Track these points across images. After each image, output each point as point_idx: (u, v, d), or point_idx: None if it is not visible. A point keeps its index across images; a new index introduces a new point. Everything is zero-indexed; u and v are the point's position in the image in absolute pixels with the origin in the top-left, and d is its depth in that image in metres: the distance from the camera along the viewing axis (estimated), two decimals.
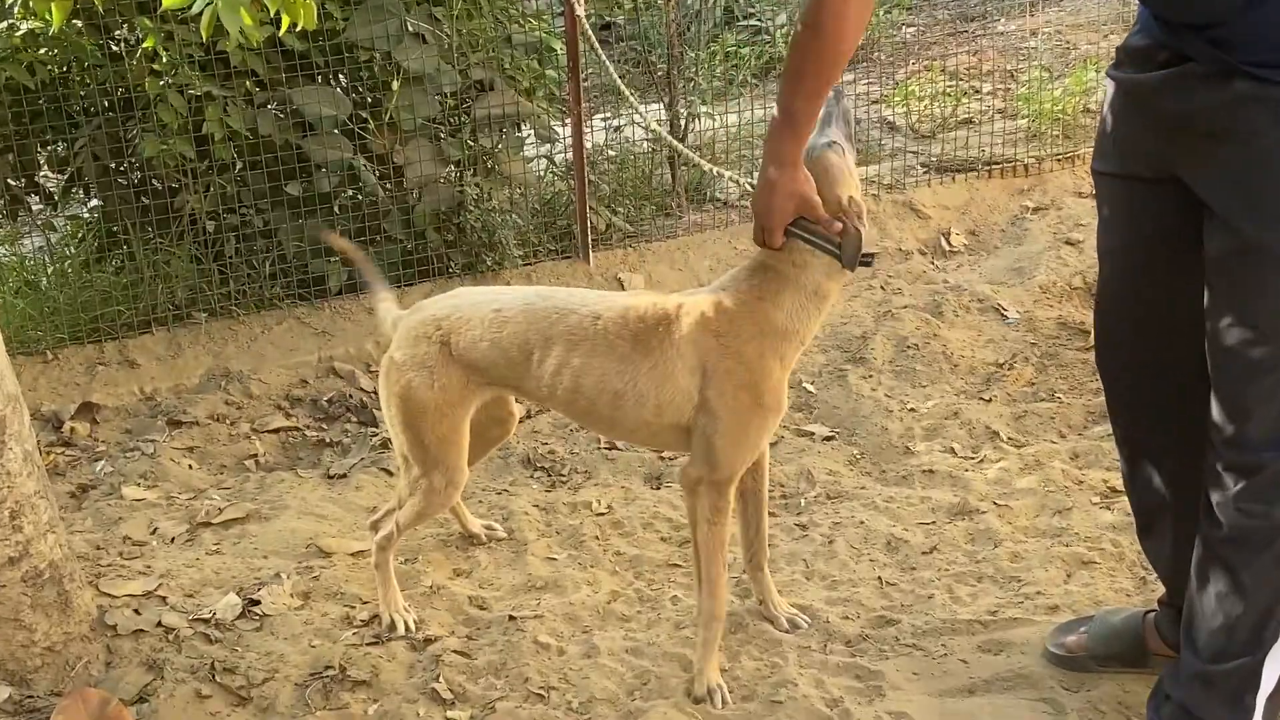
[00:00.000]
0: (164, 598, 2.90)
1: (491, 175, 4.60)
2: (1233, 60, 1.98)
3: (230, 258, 4.33)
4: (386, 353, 2.75)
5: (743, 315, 2.45)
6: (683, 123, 5.22)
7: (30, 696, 2.56)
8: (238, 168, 4.32)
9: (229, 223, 4.30)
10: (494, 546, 3.20)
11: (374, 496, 3.45)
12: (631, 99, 3.55)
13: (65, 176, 4.43)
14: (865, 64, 6.11)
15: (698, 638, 2.63)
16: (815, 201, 2.34)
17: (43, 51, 4.14)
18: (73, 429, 3.86)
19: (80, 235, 4.57)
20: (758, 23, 6.96)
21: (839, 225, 2.37)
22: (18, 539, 2.53)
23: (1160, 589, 2.60)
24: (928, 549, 3.13)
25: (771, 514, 3.13)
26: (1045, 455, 3.54)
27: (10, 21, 4.11)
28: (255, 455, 3.78)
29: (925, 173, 5.36)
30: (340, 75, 4.41)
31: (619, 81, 3.58)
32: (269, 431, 3.88)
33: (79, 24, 4.10)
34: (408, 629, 2.81)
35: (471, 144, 4.51)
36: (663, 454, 3.61)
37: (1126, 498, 2.51)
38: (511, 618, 2.85)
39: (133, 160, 4.26)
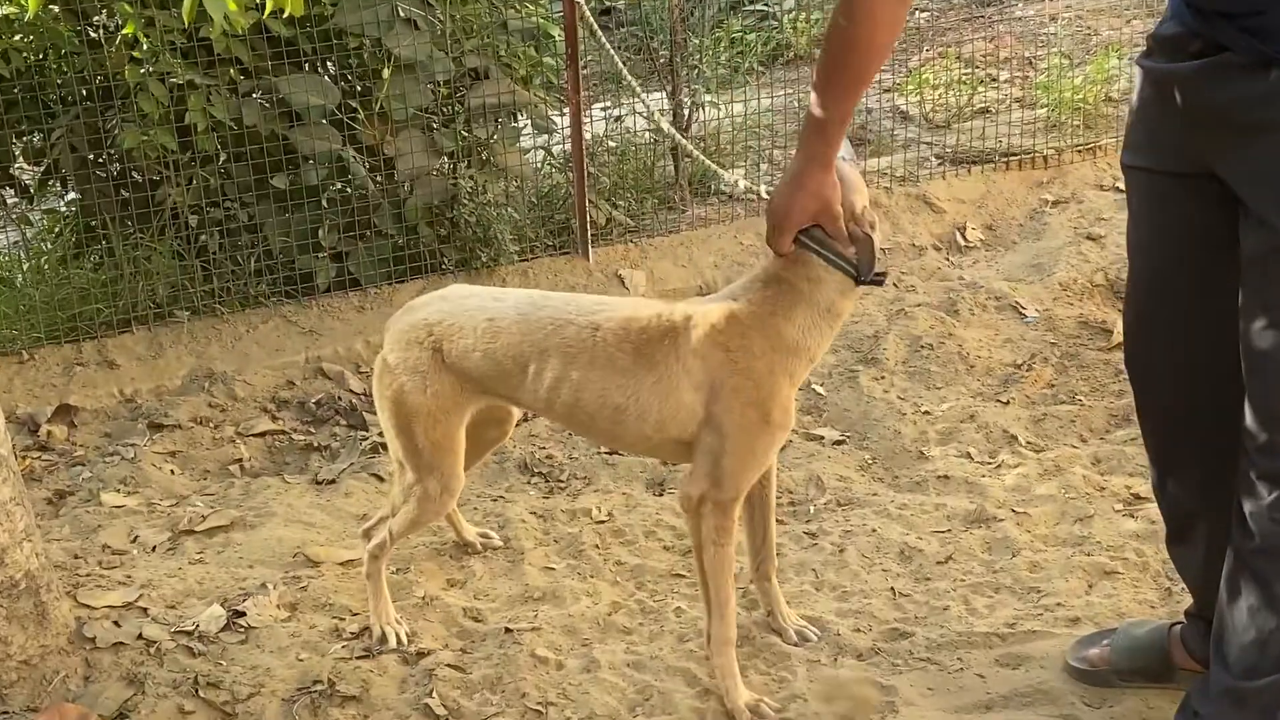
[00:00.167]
0: (145, 609, 2.90)
1: (486, 167, 4.60)
2: (1269, 50, 1.97)
3: (214, 253, 4.32)
4: (380, 354, 2.75)
5: (754, 329, 2.46)
6: (686, 112, 5.22)
7: (6, 712, 2.56)
8: (221, 159, 4.31)
9: (212, 217, 4.30)
10: (490, 556, 3.20)
11: (364, 503, 3.45)
12: (636, 88, 3.55)
13: (41, 169, 4.43)
14: None
15: (714, 664, 2.63)
16: (837, 212, 2.36)
17: (18, 38, 4.14)
18: (49, 432, 3.85)
19: (57, 230, 4.57)
20: (765, 7, 6.96)
21: (852, 240, 2.38)
22: None
23: (1186, 600, 2.59)
24: (943, 558, 3.13)
25: (779, 522, 3.13)
26: (1065, 460, 3.53)
27: None
28: (240, 460, 3.77)
29: (940, 164, 5.35)
30: (329, 63, 4.41)
31: (623, 68, 3.58)
32: (254, 435, 3.87)
33: (55, 9, 4.10)
34: (400, 642, 2.80)
35: (466, 135, 4.51)
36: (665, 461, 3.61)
37: (1151, 505, 2.51)
38: (508, 630, 2.85)
39: (112, 152, 4.26)
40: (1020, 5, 7.08)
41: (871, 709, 2.58)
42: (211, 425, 3.90)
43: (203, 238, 4.31)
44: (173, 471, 3.70)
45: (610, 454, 3.70)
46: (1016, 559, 3.09)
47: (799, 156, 2.34)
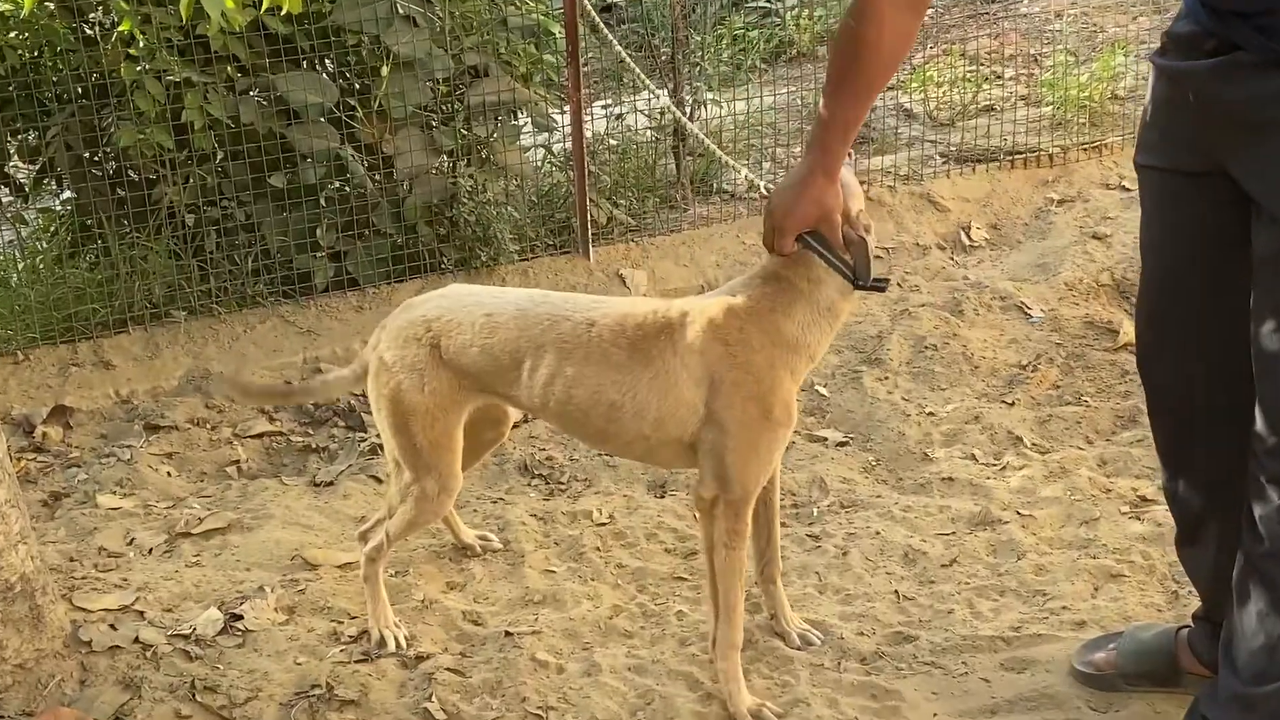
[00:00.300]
0: (141, 612, 2.90)
1: (486, 166, 4.60)
2: None
3: (211, 253, 4.32)
4: (376, 352, 2.75)
5: (752, 324, 2.47)
6: (688, 110, 5.22)
7: (1, 717, 2.56)
8: (218, 158, 4.32)
9: (209, 216, 4.30)
10: (489, 558, 3.20)
11: (362, 505, 3.44)
12: (643, 77, 3.55)
13: (37, 167, 4.43)
14: None
15: (718, 669, 2.63)
16: (837, 221, 2.38)
17: (13, 35, 4.14)
18: (45, 434, 3.85)
19: (53, 229, 4.57)
20: (767, 4, 6.96)
21: (846, 243, 2.40)
22: None
23: (1193, 604, 2.59)
24: (947, 561, 3.13)
25: (782, 524, 3.12)
26: (1071, 462, 3.53)
27: None
28: (237, 462, 3.77)
29: (944, 163, 5.35)
30: (327, 60, 4.41)
31: (628, 59, 3.58)
32: (252, 437, 3.87)
33: (51, 6, 4.10)
34: (398, 645, 2.80)
35: (465, 133, 4.51)
36: None
37: (1157, 507, 2.51)
38: (508, 634, 2.84)
39: (108, 150, 4.26)
40: (1025, 2, 7.08)
41: None
42: (209, 426, 3.90)
43: (200, 237, 4.31)
44: (169, 473, 3.70)
45: (611, 456, 3.70)
46: (1021, 562, 3.09)
47: (805, 161, 2.35)
